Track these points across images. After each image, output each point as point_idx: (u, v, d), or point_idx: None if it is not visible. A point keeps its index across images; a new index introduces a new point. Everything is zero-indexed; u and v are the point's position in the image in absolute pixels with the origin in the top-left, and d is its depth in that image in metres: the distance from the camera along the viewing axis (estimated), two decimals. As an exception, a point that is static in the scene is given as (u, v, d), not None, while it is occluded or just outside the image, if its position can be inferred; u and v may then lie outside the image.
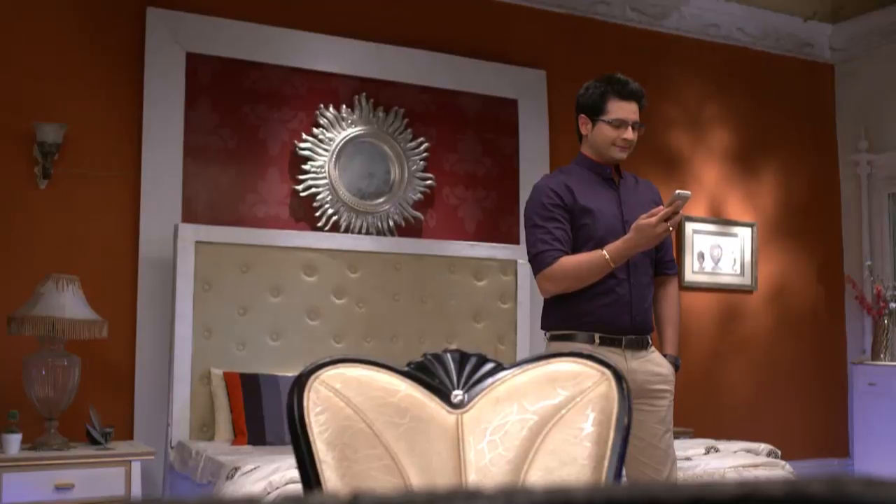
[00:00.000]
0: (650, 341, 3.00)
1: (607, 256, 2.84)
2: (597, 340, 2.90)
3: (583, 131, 3.05)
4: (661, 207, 2.79)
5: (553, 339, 2.98)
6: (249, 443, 4.29)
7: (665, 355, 3.04)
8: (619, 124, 2.97)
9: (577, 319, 2.92)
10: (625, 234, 2.89)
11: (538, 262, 2.95)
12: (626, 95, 2.98)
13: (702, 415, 5.95)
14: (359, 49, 5.26)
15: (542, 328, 3.06)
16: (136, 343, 4.61)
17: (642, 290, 2.98)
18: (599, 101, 3.00)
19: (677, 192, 2.74)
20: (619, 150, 3.00)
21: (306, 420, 1.61)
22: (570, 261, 2.90)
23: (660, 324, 3.12)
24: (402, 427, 1.68)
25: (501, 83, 5.62)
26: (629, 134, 2.98)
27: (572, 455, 1.68)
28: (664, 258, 3.13)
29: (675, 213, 2.75)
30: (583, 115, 3.04)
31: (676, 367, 3.03)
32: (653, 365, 2.95)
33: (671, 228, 2.78)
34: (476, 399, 1.76)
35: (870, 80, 6.73)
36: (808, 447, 6.41)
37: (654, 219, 2.76)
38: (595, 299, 2.91)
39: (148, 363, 4.60)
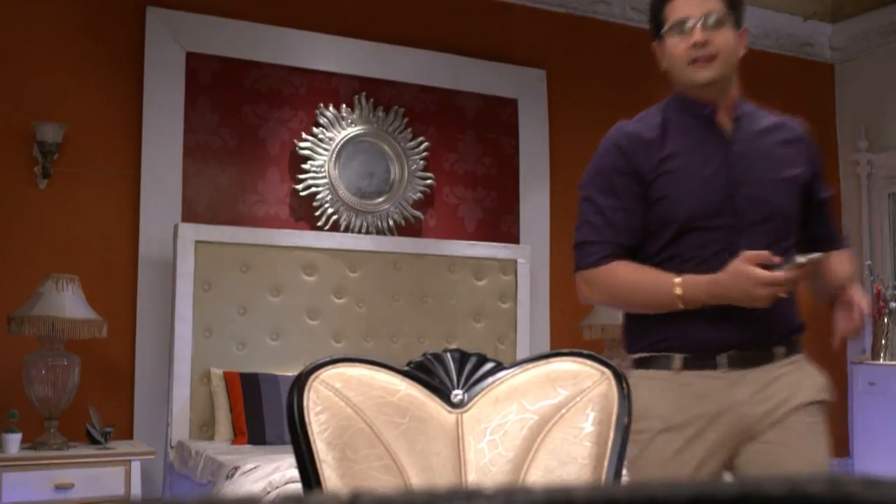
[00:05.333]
0: (789, 350, 2.15)
1: (679, 292, 1.97)
2: (677, 364, 2.04)
3: (661, 65, 2.19)
4: (781, 273, 1.90)
5: (635, 365, 2.13)
6: (249, 442, 4.29)
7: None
8: (681, 28, 2.07)
9: (657, 335, 2.08)
10: (733, 208, 2.04)
11: (579, 256, 2.10)
12: None
13: (702, 414, 5.95)
14: (359, 49, 5.26)
15: (624, 348, 2.22)
16: (135, 343, 4.61)
17: None
18: (658, 13, 2.13)
19: (807, 257, 1.90)
20: (697, 68, 2.08)
21: (306, 420, 1.61)
22: (624, 273, 2.05)
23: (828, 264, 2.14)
24: (402, 427, 1.68)
25: (501, 83, 5.62)
26: (697, 35, 2.05)
27: (572, 454, 1.68)
28: (823, 233, 2.22)
29: (797, 281, 1.94)
30: (653, 44, 2.19)
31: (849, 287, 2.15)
32: (781, 386, 2.08)
33: (782, 295, 1.95)
34: (476, 398, 1.76)
35: (870, 79, 6.72)
36: (807, 447, 6.40)
37: (763, 274, 1.88)
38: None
39: (148, 363, 4.60)
